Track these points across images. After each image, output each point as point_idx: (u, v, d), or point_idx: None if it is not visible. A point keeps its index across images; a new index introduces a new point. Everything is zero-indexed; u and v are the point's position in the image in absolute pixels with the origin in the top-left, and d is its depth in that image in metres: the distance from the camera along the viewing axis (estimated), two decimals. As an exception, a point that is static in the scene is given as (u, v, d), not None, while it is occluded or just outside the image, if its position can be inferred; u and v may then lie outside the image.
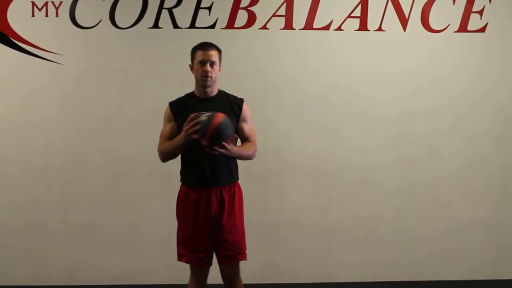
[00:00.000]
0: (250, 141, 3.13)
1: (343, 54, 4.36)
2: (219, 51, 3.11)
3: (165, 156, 3.03)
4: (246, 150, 3.07)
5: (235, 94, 3.24)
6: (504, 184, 4.48)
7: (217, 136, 2.77)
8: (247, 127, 3.13)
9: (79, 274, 4.32)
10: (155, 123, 3.36)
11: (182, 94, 3.22)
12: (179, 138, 2.91)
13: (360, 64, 4.37)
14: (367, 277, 4.43)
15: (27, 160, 4.26)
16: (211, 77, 3.03)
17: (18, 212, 4.27)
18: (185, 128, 2.83)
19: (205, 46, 3.06)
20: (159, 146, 3.08)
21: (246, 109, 3.15)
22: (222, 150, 2.82)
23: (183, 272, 3.33)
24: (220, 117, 2.79)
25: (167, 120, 3.11)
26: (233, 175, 3.15)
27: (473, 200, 4.47)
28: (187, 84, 3.30)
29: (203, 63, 3.02)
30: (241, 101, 3.15)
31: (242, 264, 4.23)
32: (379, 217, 4.43)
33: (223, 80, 4.18)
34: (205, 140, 2.77)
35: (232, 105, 3.09)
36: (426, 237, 4.45)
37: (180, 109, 3.06)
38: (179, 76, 3.94)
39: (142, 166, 4.26)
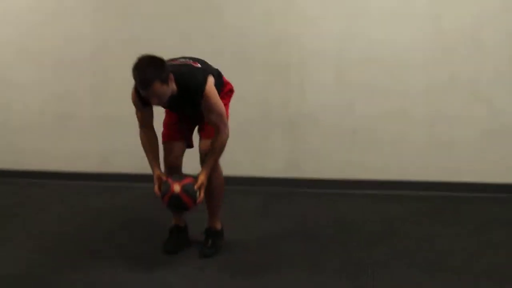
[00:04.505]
0: (214, 140, 2.86)
1: None
2: (160, 79, 2.61)
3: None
4: (213, 163, 2.88)
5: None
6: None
7: (173, 205, 2.82)
8: (213, 116, 2.82)
9: (109, 162, 4.56)
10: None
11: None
12: (152, 170, 2.93)
13: None
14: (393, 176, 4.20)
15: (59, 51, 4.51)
16: (163, 103, 2.75)
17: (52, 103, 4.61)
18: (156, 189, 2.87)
19: (141, 86, 2.63)
20: (140, 134, 2.98)
21: (207, 99, 2.78)
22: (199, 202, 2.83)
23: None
24: (174, 191, 2.74)
25: (135, 106, 2.90)
26: None
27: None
28: None
29: (148, 98, 2.70)
30: (200, 93, 2.76)
31: (264, 157, 4.32)
32: (409, 115, 4.12)
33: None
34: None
35: (193, 98, 2.78)
36: (463, 139, 4.09)
37: (146, 99, 2.77)
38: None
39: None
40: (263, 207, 3.89)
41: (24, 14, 4.50)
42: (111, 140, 4.53)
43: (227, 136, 2.88)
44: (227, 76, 3.08)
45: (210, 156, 2.87)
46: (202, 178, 2.82)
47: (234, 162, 4.15)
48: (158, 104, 2.74)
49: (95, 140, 4.56)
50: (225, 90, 3.05)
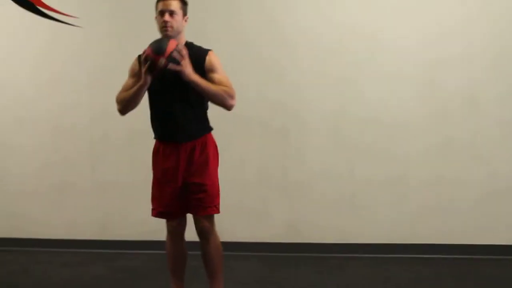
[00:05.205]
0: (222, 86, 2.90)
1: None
2: (182, 1, 2.93)
3: (125, 104, 2.93)
4: (212, 86, 2.84)
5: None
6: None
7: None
8: (216, 75, 2.90)
9: (108, 230, 4.47)
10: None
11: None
12: (139, 82, 2.85)
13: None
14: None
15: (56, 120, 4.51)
16: (171, 27, 2.85)
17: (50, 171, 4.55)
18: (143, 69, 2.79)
19: None
20: (117, 95, 2.98)
21: (211, 59, 2.91)
22: (176, 66, 2.73)
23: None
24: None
25: (132, 75, 2.98)
26: (201, 129, 2.99)
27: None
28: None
29: (162, 13, 2.86)
30: (205, 53, 2.92)
31: (263, 222, 4.26)
32: (408, 177, 4.12)
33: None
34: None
35: (195, 58, 2.87)
36: (463, 199, 4.08)
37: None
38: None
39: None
40: (265, 275, 3.79)
41: (21, 79, 4.53)
42: (109, 208, 4.46)
43: (232, 103, 2.92)
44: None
45: (208, 83, 2.84)
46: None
47: (233, 228, 4.16)
48: (164, 27, 2.84)
49: (92, 208, 4.49)
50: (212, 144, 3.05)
